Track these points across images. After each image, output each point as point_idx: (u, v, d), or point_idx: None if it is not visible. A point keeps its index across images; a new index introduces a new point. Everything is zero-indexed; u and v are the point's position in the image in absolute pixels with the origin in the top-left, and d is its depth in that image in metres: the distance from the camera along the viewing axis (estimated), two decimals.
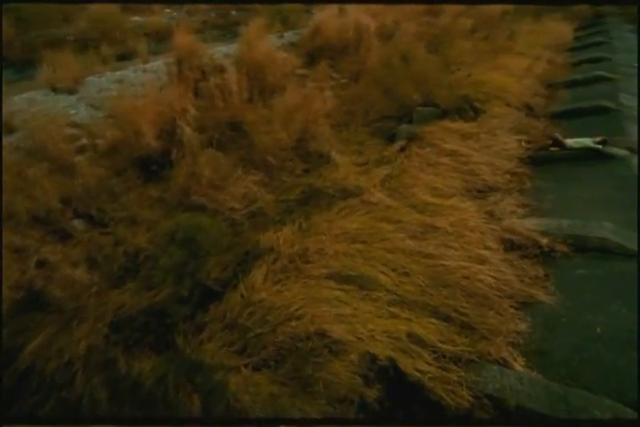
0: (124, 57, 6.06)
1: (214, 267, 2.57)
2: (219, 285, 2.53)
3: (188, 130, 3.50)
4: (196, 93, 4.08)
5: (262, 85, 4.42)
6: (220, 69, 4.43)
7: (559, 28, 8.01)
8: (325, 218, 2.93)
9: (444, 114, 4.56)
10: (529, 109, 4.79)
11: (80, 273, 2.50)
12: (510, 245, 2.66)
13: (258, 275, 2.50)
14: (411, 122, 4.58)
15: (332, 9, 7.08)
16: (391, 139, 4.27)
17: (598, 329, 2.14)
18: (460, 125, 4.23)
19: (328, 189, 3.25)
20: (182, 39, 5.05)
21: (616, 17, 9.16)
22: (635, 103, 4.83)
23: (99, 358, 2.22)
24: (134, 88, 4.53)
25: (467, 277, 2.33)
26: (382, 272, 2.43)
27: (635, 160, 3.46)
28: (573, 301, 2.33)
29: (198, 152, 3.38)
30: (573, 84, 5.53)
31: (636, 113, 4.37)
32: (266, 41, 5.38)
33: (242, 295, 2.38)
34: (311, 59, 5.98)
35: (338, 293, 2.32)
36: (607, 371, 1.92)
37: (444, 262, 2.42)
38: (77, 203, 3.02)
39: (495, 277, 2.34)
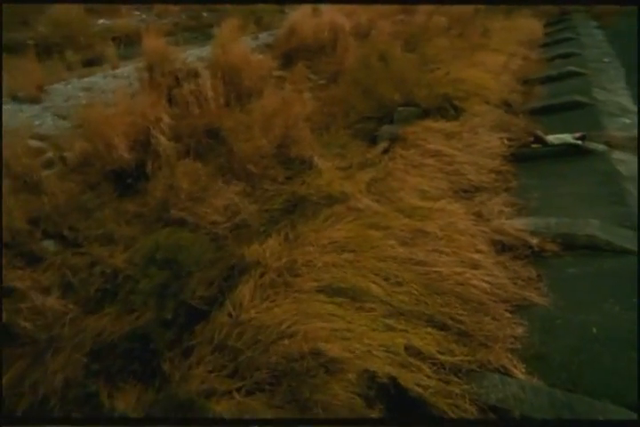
0: (92, 62, 5.80)
1: (198, 285, 2.43)
2: (204, 303, 2.40)
3: (163, 139, 3.33)
4: (170, 100, 3.90)
5: (239, 89, 4.28)
6: (194, 74, 4.26)
7: (530, 25, 8.15)
8: (312, 227, 2.83)
9: (426, 113, 4.52)
10: (507, 106, 4.82)
11: (53, 299, 2.32)
12: (501, 247, 2.63)
13: (245, 291, 2.38)
14: (392, 122, 4.53)
15: (306, 9, 6.98)
16: (373, 140, 4.21)
17: (594, 329, 2.12)
18: (442, 125, 4.20)
19: (313, 197, 3.15)
20: (153, 43, 4.85)
21: (581, 13, 9.40)
22: (607, 98, 4.94)
23: (78, 391, 2.06)
24: (104, 96, 4.31)
25: (461, 284, 2.29)
26: (374, 282, 2.35)
27: (614, 155, 3.51)
28: (567, 301, 2.31)
29: (175, 163, 3.21)
30: (548, 79, 5.62)
31: (610, 108, 4.46)
32: (240, 43, 5.23)
33: (229, 314, 2.26)
34: (288, 60, 5.87)
35: (330, 306, 2.23)
36: (607, 373, 1.90)
37: (436, 269, 2.37)
38: (47, 222, 2.82)
39: (489, 282, 2.30)
